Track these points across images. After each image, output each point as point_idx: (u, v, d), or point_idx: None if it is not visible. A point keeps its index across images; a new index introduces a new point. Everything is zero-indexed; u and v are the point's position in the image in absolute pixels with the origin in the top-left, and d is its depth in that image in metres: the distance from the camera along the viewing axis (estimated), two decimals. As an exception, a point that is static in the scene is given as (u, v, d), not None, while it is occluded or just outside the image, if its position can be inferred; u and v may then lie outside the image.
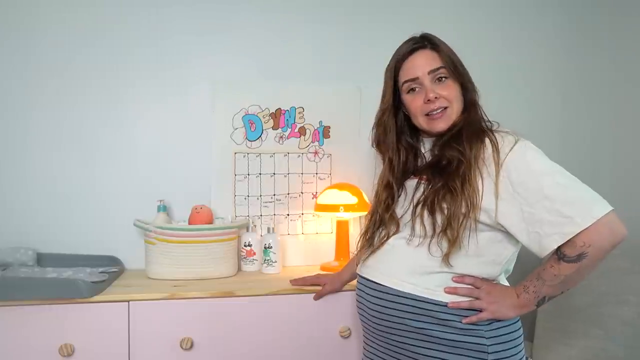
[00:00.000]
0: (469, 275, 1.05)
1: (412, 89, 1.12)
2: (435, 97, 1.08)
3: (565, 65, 2.11)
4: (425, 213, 1.04)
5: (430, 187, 1.06)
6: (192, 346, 1.42)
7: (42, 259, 1.67)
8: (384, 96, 1.19)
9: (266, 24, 1.87)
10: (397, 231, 1.12)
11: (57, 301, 1.36)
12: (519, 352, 1.07)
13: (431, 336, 1.03)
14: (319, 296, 1.48)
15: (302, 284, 1.52)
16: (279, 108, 1.87)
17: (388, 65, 1.18)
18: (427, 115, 1.10)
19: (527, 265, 1.12)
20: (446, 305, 1.03)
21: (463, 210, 1.00)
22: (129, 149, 1.79)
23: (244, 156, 1.86)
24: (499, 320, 1.04)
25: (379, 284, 1.10)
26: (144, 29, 1.79)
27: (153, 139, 1.80)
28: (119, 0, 1.77)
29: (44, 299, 1.35)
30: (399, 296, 1.06)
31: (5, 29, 1.71)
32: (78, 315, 1.37)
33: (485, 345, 1.02)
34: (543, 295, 1.02)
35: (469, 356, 1.02)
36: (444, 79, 1.10)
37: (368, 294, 1.13)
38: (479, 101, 1.13)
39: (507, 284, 1.13)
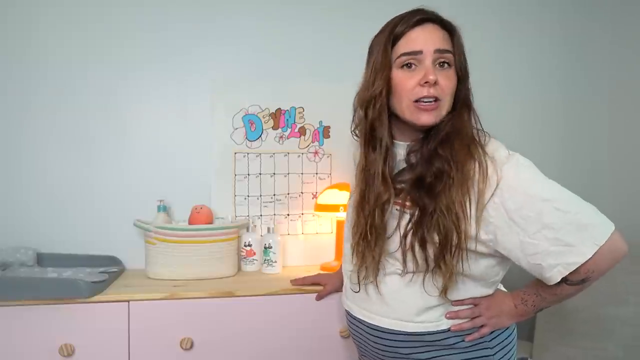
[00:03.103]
0: (468, 298, 1.02)
1: (408, 65, 0.93)
2: (435, 82, 0.91)
3: (567, 61, 2.10)
4: (416, 245, 0.93)
5: (417, 213, 0.94)
6: (192, 346, 1.42)
7: (42, 259, 1.66)
8: (380, 70, 0.96)
9: (266, 23, 1.87)
10: (379, 258, 0.99)
11: (57, 301, 1.36)
12: (514, 346, 1.09)
13: None
14: (320, 297, 1.48)
15: (302, 283, 1.52)
16: (279, 108, 1.87)
17: (380, 34, 0.99)
18: (415, 101, 0.93)
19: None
20: (449, 330, 1.00)
21: (455, 240, 0.90)
22: (129, 149, 1.79)
23: (244, 156, 1.86)
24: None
25: (378, 326, 1.03)
26: (143, 28, 1.78)
27: (153, 138, 1.80)
28: (119, 1, 1.77)
29: (44, 299, 1.35)
30: (402, 334, 1.01)
31: (5, 29, 1.70)
32: (78, 315, 1.37)
33: (491, 355, 1.02)
34: (541, 308, 1.01)
35: None
36: (446, 65, 0.94)
37: (367, 333, 1.06)
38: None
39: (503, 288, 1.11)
